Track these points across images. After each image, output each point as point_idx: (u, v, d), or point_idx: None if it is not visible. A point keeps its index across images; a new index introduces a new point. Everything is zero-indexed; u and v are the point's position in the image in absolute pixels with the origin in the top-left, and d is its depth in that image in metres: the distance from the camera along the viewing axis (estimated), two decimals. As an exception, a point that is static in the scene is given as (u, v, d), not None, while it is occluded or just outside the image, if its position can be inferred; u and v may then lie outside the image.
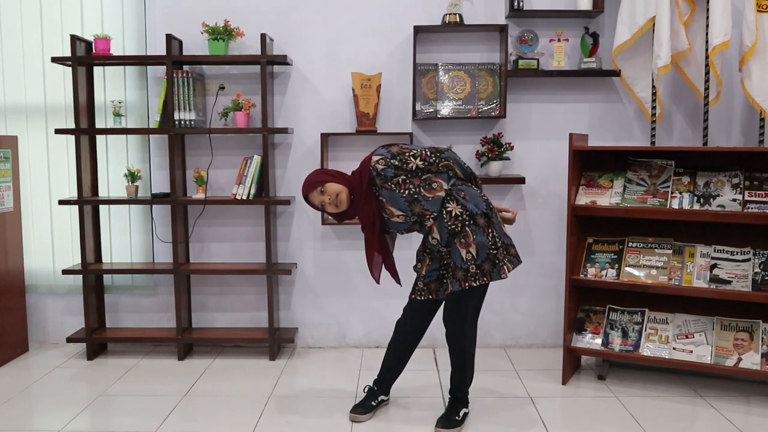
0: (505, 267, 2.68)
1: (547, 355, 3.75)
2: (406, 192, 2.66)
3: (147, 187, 3.87)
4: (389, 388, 3.01)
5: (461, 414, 2.82)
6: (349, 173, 2.76)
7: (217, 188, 3.85)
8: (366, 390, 2.99)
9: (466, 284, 2.63)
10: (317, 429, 2.83)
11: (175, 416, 2.95)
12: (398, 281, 2.90)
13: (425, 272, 2.79)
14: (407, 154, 2.67)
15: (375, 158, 2.69)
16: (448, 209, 2.66)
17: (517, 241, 3.82)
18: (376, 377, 3.00)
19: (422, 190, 2.66)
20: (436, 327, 3.74)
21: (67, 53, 3.69)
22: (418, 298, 2.82)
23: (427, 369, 3.54)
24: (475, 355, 2.88)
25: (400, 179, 2.66)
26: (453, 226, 2.65)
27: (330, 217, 2.88)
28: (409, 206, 2.67)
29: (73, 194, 3.85)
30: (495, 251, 2.66)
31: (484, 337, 3.91)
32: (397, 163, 2.66)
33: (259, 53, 3.54)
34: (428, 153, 2.69)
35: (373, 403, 2.93)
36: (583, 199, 3.33)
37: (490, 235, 2.66)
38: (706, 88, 3.45)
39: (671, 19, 3.35)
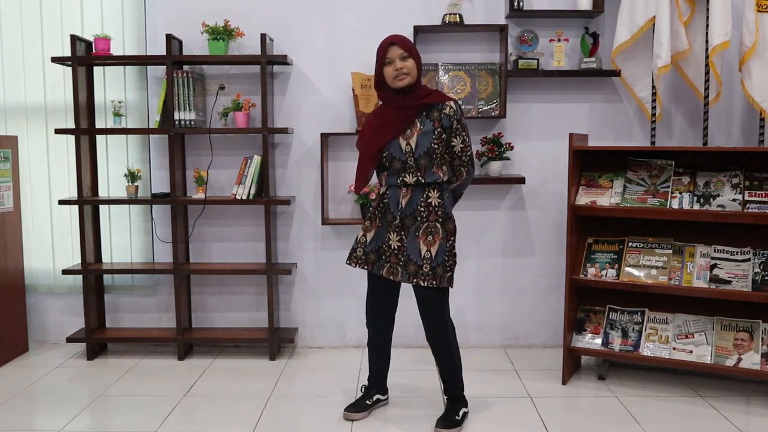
0: (452, 279, 2.69)
1: (547, 355, 3.75)
2: (434, 145, 2.63)
3: (147, 187, 3.87)
4: (383, 385, 3.00)
5: (461, 414, 2.82)
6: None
7: (217, 188, 3.85)
8: (362, 389, 3.00)
9: (414, 280, 2.64)
10: (317, 429, 2.83)
11: (175, 416, 2.95)
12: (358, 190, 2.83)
13: (369, 239, 2.73)
14: (464, 132, 2.69)
15: (451, 103, 2.66)
16: (429, 194, 2.66)
17: (517, 241, 3.84)
18: (368, 379, 3.01)
19: (436, 159, 2.65)
20: (436, 327, 3.75)
21: (67, 53, 3.69)
22: (353, 266, 2.76)
23: (427, 369, 3.54)
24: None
25: (443, 135, 2.64)
26: (422, 210, 2.64)
27: (375, 85, 2.74)
28: (422, 154, 2.62)
29: (73, 194, 3.85)
30: (449, 260, 2.67)
31: (484, 337, 3.92)
32: (454, 125, 2.66)
33: (259, 53, 3.54)
34: (470, 150, 2.71)
35: (367, 401, 2.93)
36: (583, 199, 3.33)
37: (451, 242, 2.68)
38: (706, 88, 3.45)
39: (671, 19, 3.35)
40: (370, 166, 2.73)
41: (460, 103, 2.72)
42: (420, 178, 2.64)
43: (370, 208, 2.77)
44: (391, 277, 2.69)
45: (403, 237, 2.66)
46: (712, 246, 3.18)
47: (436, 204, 2.66)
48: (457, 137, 2.68)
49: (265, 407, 3.04)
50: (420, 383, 3.31)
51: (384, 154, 2.68)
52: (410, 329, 3.70)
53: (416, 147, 2.63)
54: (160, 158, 3.85)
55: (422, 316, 2.76)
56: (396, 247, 2.68)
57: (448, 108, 2.66)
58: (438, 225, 2.65)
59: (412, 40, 3.62)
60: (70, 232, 3.95)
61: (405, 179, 2.66)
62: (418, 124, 2.65)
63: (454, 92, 3.70)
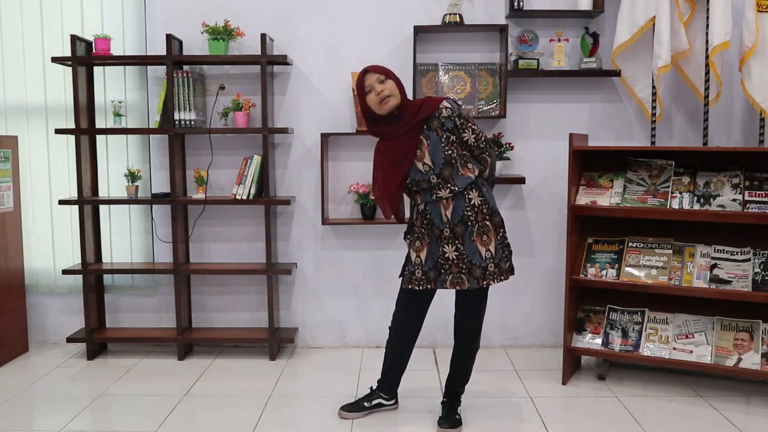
0: (513, 267, 2.73)
1: (547, 355, 3.75)
2: (449, 151, 2.61)
3: (147, 187, 3.87)
4: (394, 391, 2.97)
5: (459, 412, 2.85)
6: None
7: (217, 188, 3.85)
8: (369, 389, 2.99)
9: (485, 282, 2.62)
10: (317, 429, 2.83)
11: (175, 416, 2.95)
12: (402, 218, 2.81)
13: (423, 258, 2.69)
14: (470, 124, 2.66)
15: (445, 104, 2.63)
16: (470, 196, 2.63)
17: (517, 241, 3.84)
18: (379, 378, 2.98)
19: (458, 162, 2.63)
20: (436, 327, 3.76)
21: (67, 53, 3.70)
22: (417, 288, 2.70)
23: (427, 369, 3.54)
24: None
25: (452, 138, 2.63)
26: (469, 213, 2.62)
27: (367, 125, 2.73)
28: (443, 165, 2.60)
29: (73, 194, 3.85)
30: (505, 252, 2.69)
31: (484, 338, 3.88)
32: (458, 123, 2.64)
33: (259, 53, 3.54)
34: (483, 137, 2.68)
35: (366, 404, 2.92)
36: (583, 199, 3.33)
37: (502, 234, 2.69)
38: (706, 88, 3.45)
39: (671, 19, 3.35)
40: (397, 198, 2.71)
41: (452, 97, 2.70)
42: (454, 188, 2.62)
43: (414, 228, 2.71)
44: (458, 287, 2.65)
45: (458, 245, 2.63)
46: (712, 246, 3.18)
47: (479, 203, 2.64)
48: (466, 131, 2.65)
49: (265, 407, 3.04)
50: (420, 383, 3.31)
51: (407, 182, 2.67)
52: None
53: (433, 164, 2.61)
54: (160, 158, 3.85)
55: (465, 311, 2.76)
56: (454, 257, 2.64)
57: (444, 110, 2.63)
58: (488, 222, 2.64)
59: (412, 40, 3.63)
60: (70, 232, 3.95)
61: (439, 194, 2.63)
62: (425, 141, 2.62)
63: (454, 92, 3.70)
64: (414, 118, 2.62)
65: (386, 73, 2.65)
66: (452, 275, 2.65)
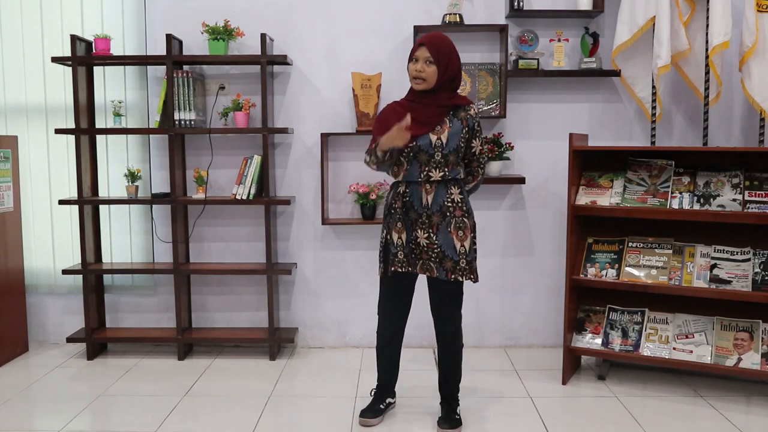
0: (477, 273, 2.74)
1: (547, 355, 3.75)
2: (461, 143, 2.66)
3: (147, 187, 3.87)
4: (392, 389, 2.98)
5: (459, 412, 2.84)
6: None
7: (217, 188, 3.85)
8: (372, 393, 2.97)
9: (452, 276, 2.65)
10: (317, 429, 2.83)
11: (175, 416, 2.95)
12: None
13: (404, 240, 2.68)
14: (481, 134, 2.76)
15: (474, 105, 2.74)
16: (452, 191, 2.67)
17: (517, 241, 3.84)
18: (376, 382, 2.97)
19: (459, 157, 2.68)
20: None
21: (67, 53, 3.70)
22: (400, 270, 2.69)
23: (427, 369, 3.54)
24: None
25: (467, 135, 2.69)
26: (448, 205, 2.65)
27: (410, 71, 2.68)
28: (452, 150, 2.64)
29: (73, 194, 3.85)
30: (475, 255, 2.72)
31: (484, 337, 3.91)
32: (477, 128, 2.72)
33: (259, 53, 3.54)
34: (486, 151, 2.81)
35: (381, 406, 2.91)
36: (583, 199, 3.33)
37: (472, 236, 2.71)
38: (706, 88, 3.45)
39: (671, 19, 3.35)
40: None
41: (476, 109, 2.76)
42: (446, 174, 2.65)
43: (392, 210, 2.71)
44: (428, 274, 2.68)
45: (431, 233, 2.65)
46: (712, 246, 3.18)
47: (459, 200, 2.68)
48: (477, 139, 2.73)
49: (265, 407, 3.04)
50: (420, 383, 3.31)
51: (410, 145, 2.64)
52: (410, 329, 3.65)
53: (446, 143, 2.64)
54: (160, 158, 3.85)
55: (440, 313, 2.77)
56: (425, 244, 2.67)
57: (473, 110, 2.72)
58: (465, 220, 2.68)
59: (412, 40, 3.62)
60: (70, 232, 3.95)
61: (430, 174, 2.65)
62: (448, 122, 2.67)
63: (454, 92, 3.70)
64: (448, 101, 2.68)
65: (437, 57, 2.60)
66: (422, 261, 2.68)
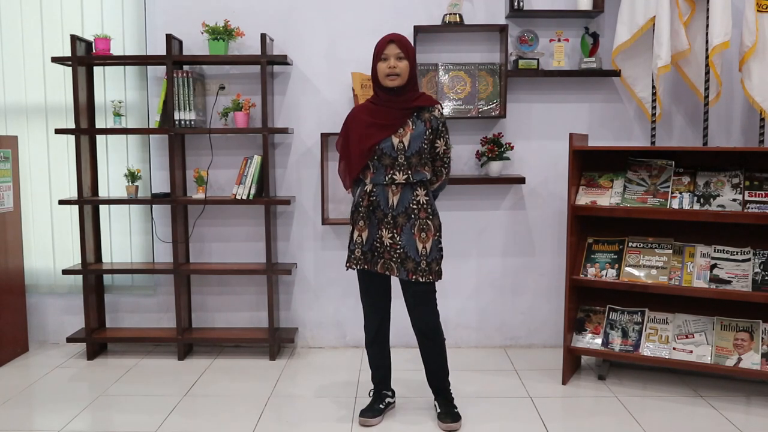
0: (441, 271, 2.76)
1: (547, 355, 3.75)
2: (424, 145, 2.69)
3: (147, 187, 3.87)
4: (389, 387, 2.99)
5: (456, 406, 2.86)
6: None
7: (217, 188, 3.85)
8: (371, 394, 2.97)
9: (413, 277, 2.67)
10: (317, 429, 2.83)
11: (175, 416, 2.95)
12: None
13: (364, 239, 2.73)
14: (447, 135, 2.79)
15: (439, 105, 2.77)
16: (417, 192, 2.70)
17: (517, 241, 3.84)
18: (371, 380, 2.98)
19: (423, 158, 2.70)
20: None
21: (67, 53, 3.70)
22: (354, 267, 2.77)
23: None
24: None
25: (431, 137, 2.72)
26: (414, 207, 2.68)
27: (373, 79, 2.76)
28: (414, 153, 2.67)
29: (73, 194, 3.85)
30: (439, 255, 2.74)
31: (484, 337, 3.92)
32: (441, 128, 2.74)
33: (259, 53, 3.54)
34: (449, 154, 2.81)
35: (380, 405, 2.91)
36: (583, 199, 3.33)
37: (438, 237, 2.74)
38: (706, 88, 3.45)
39: (671, 19, 3.35)
40: (361, 163, 2.72)
41: (440, 109, 2.79)
42: (410, 176, 2.68)
43: (360, 208, 2.76)
44: (387, 272, 2.71)
45: (395, 234, 2.69)
46: (712, 246, 3.18)
47: (425, 201, 2.71)
48: (441, 139, 2.76)
49: (265, 407, 3.04)
50: (418, 382, 3.30)
51: (375, 148, 2.69)
52: (409, 329, 3.68)
53: (408, 146, 2.67)
54: (160, 158, 3.85)
55: (414, 311, 2.79)
56: (389, 243, 2.70)
57: (437, 111, 2.75)
58: (429, 222, 2.71)
59: (412, 41, 3.62)
60: (70, 232, 3.95)
61: (394, 177, 2.68)
62: (410, 124, 2.70)
63: (454, 92, 3.70)
64: (411, 102, 2.71)
65: (407, 52, 2.68)
66: (383, 260, 2.71)
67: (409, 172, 2.68)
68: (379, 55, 2.69)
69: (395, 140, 2.67)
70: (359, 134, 2.71)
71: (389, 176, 2.68)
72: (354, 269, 2.79)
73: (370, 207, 2.72)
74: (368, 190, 2.73)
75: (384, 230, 2.70)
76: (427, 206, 2.71)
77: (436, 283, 2.76)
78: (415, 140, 2.67)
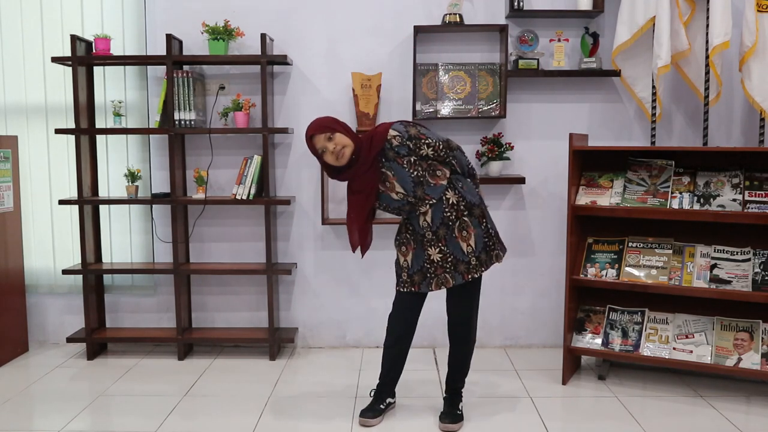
0: (499, 253, 2.77)
1: (547, 355, 3.75)
2: (415, 173, 2.66)
3: (147, 187, 3.87)
4: (393, 390, 2.98)
5: (461, 407, 2.86)
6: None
7: (217, 188, 3.85)
8: (372, 394, 2.97)
9: (469, 276, 2.68)
10: (317, 429, 2.83)
11: (175, 416, 2.95)
12: (363, 252, 2.85)
13: (410, 262, 2.75)
14: (423, 140, 2.66)
15: (393, 133, 2.66)
16: (447, 196, 2.68)
17: (517, 241, 3.84)
18: (378, 381, 2.97)
19: (427, 175, 2.67)
20: (436, 327, 3.76)
21: (68, 53, 3.69)
22: (402, 290, 2.79)
23: (427, 369, 3.54)
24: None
25: (411, 159, 2.66)
26: (448, 213, 2.67)
27: (328, 174, 2.78)
28: (414, 187, 2.65)
29: (73, 194, 3.85)
30: (489, 240, 2.73)
31: (484, 337, 3.91)
32: (411, 145, 2.66)
33: (259, 53, 3.54)
34: (441, 146, 2.68)
35: (381, 406, 2.91)
36: (583, 199, 3.33)
37: (484, 224, 2.73)
38: (706, 88, 3.45)
39: (671, 19, 3.35)
40: (366, 230, 2.77)
41: (398, 121, 2.73)
42: (431, 201, 2.67)
43: (401, 233, 2.79)
44: (443, 287, 2.71)
45: (442, 247, 2.68)
46: (712, 246, 3.18)
47: (456, 201, 2.69)
48: (422, 148, 2.66)
49: (265, 407, 3.04)
50: (420, 382, 3.31)
51: (382, 206, 2.74)
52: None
53: (405, 190, 2.67)
54: (160, 158, 3.85)
55: (455, 311, 2.81)
56: (439, 259, 2.69)
57: (393, 140, 2.65)
58: (466, 219, 2.69)
59: (412, 41, 3.63)
60: (70, 232, 3.95)
61: (421, 210, 2.69)
62: (389, 173, 2.67)
63: (454, 92, 3.70)
64: (369, 156, 2.66)
65: (331, 129, 2.66)
66: (437, 277, 2.71)
67: (426, 200, 2.67)
68: (316, 153, 2.69)
69: (392, 194, 2.68)
70: (355, 210, 2.73)
71: (416, 213, 2.69)
72: (404, 290, 2.78)
73: (411, 231, 2.74)
74: (404, 218, 2.76)
75: (431, 248, 2.70)
76: (460, 204, 2.69)
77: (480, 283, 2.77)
78: (404, 181, 2.65)
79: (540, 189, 3.83)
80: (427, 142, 2.67)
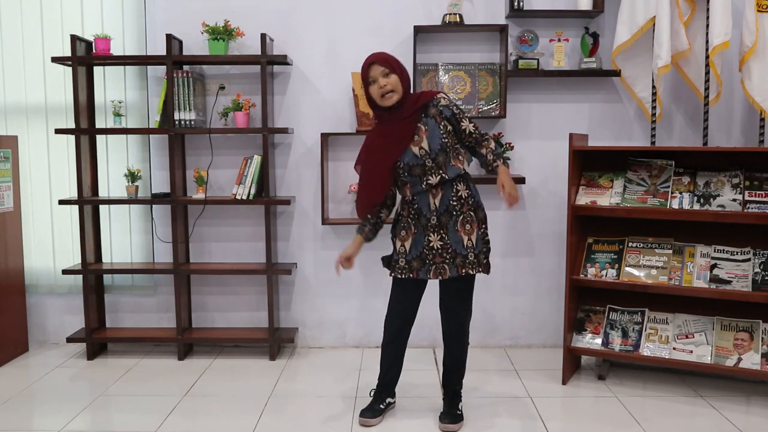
0: (489, 265, 2.77)
1: (547, 355, 3.75)
2: (445, 139, 2.66)
3: (147, 187, 3.87)
4: (393, 389, 2.98)
5: (460, 407, 2.86)
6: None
7: (217, 188, 3.85)
8: (372, 394, 2.96)
9: (463, 270, 2.67)
10: (317, 429, 2.83)
11: (175, 416, 2.95)
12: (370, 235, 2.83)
13: (408, 248, 2.73)
14: (464, 114, 2.74)
15: (441, 94, 2.71)
16: (458, 188, 2.68)
17: (517, 241, 3.84)
18: (377, 381, 2.96)
19: (452, 151, 2.68)
20: (436, 327, 3.74)
21: (68, 53, 3.69)
22: (399, 276, 2.75)
23: (428, 369, 3.54)
24: None
25: (449, 127, 2.68)
26: (455, 203, 2.67)
27: (369, 105, 2.77)
28: (438, 150, 2.64)
29: (73, 194, 3.85)
30: (485, 247, 2.74)
31: (484, 337, 3.91)
32: (455, 111, 2.70)
33: (259, 53, 3.54)
34: (478, 126, 2.74)
35: (381, 406, 2.91)
36: (583, 199, 3.33)
37: (483, 229, 2.73)
38: (706, 88, 3.45)
39: (671, 19, 3.35)
40: (387, 182, 2.72)
41: (445, 96, 2.77)
42: (444, 176, 2.66)
43: (401, 218, 2.76)
44: (440, 277, 2.70)
45: (443, 235, 2.68)
46: (712, 246, 3.18)
47: (466, 195, 2.70)
48: (464, 120, 2.72)
49: (265, 407, 3.04)
50: (419, 382, 3.31)
51: (399, 166, 2.69)
52: (414, 328, 3.69)
53: (430, 148, 2.65)
54: (160, 158, 3.85)
55: (449, 307, 2.79)
56: (439, 246, 2.68)
57: (442, 100, 2.71)
58: (472, 214, 2.70)
59: (412, 40, 3.63)
60: (70, 232, 3.95)
61: (429, 181, 2.66)
62: (423, 127, 2.67)
63: (454, 92, 3.70)
64: (413, 106, 2.68)
65: (391, 66, 2.66)
66: (435, 265, 2.69)
67: (440, 171, 2.65)
68: (366, 80, 2.69)
69: (415, 149, 2.66)
70: (378, 157, 2.72)
71: (425, 182, 2.67)
72: (400, 277, 2.76)
73: (414, 215, 2.72)
74: (409, 199, 2.72)
75: (432, 234, 2.68)
76: (469, 199, 2.70)
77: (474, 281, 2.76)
78: (433, 140, 2.65)
79: (540, 189, 3.83)
80: (468, 117, 2.74)
